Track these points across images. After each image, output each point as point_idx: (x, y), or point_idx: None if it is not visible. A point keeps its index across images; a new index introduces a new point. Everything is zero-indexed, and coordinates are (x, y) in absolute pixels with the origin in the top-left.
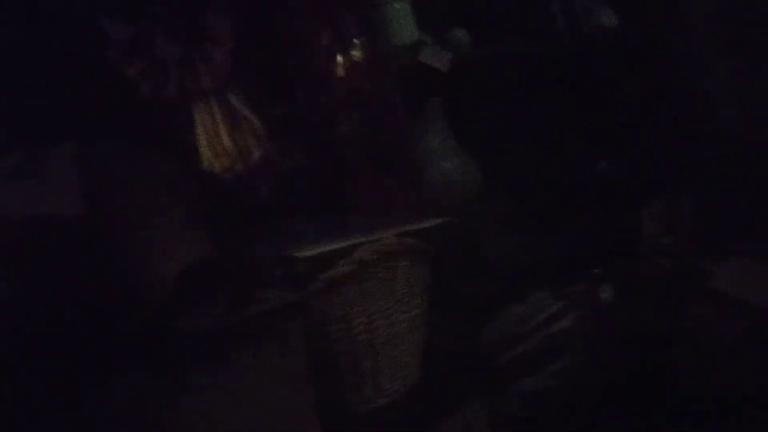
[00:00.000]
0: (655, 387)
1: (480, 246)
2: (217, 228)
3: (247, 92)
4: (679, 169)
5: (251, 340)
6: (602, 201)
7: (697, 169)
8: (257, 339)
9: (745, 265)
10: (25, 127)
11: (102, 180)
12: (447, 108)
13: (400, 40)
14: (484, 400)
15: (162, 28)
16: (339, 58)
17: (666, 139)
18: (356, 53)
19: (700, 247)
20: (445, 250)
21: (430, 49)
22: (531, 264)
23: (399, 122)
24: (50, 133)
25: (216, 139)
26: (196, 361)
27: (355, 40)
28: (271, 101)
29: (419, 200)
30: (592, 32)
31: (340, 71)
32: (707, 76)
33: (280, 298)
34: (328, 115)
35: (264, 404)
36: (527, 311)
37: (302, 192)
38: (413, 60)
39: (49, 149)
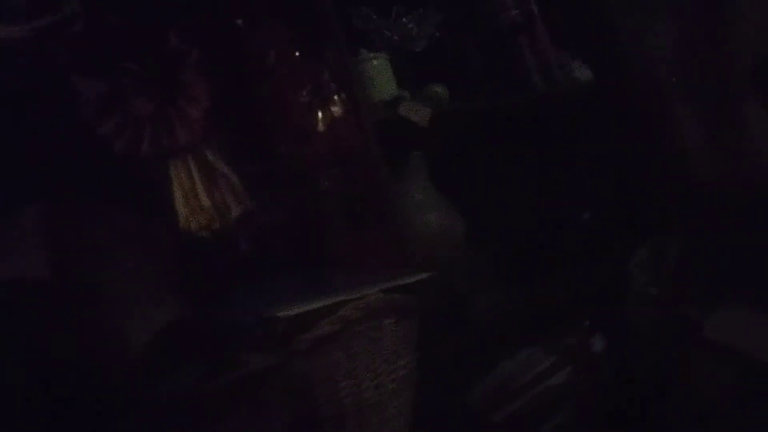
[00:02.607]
0: None
1: (465, 299)
2: (194, 288)
3: (225, 148)
4: (663, 216)
5: (230, 407)
6: (587, 250)
7: (680, 216)
8: (237, 406)
9: (736, 313)
10: None
11: (72, 241)
12: (428, 161)
13: (379, 96)
14: None
15: (135, 85)
16: (318, 114)
17: (646, 186)
18: (336, 109)
19: (689, 296)
20: (430, 305)
21: (409, 104)
22: (518, 316)
23: (379, 176)
24: (21, 192)
25: (193, 197)
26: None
27: (335, 96)
28: (249, 157)
29: (403, 254)
30: (566, 85)
31: (320, 126)
32: (678, 123)
33: (261, 361)
34: (308, 171)
35: None
36: (519, 367)
37: (282, 248)
38: (393, 115)
39: (18, 210)
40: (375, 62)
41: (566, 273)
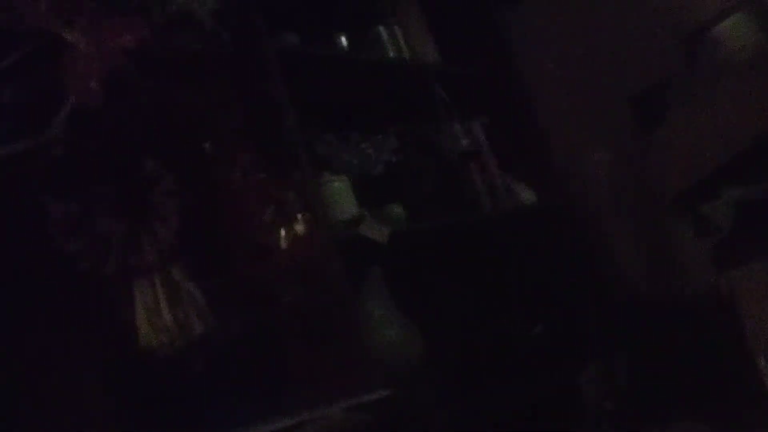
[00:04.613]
0: None
1: (426, 414)
2: (149, 415)
3: (190, 266)
4: (610, 333)
5: None
6: (542, 363)
7: (626, 333)
8: None
9: (687, 429)
10: None
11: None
12: (387, 278)
13: (340, 215)
14: None
15: (105, 206)
16: (282, 232)
17: (591, 303)
18: (298, 227)
19: (641, 412)
20: (391, 422)
21: (369, 223)
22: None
23: (339, 293)
24: None
25: (156, 315)
26: None
27: (298, 215)
28: (212, 273)
29: (363, 370)
30: (513, 207)
31: (282, 244)
32: (613, 242)
33: None
34: (269, 287)
35: None
36: None
37: (240, 365)
38: (353, 233)
39: None
40: (336, 184)
41: (522, 386)
